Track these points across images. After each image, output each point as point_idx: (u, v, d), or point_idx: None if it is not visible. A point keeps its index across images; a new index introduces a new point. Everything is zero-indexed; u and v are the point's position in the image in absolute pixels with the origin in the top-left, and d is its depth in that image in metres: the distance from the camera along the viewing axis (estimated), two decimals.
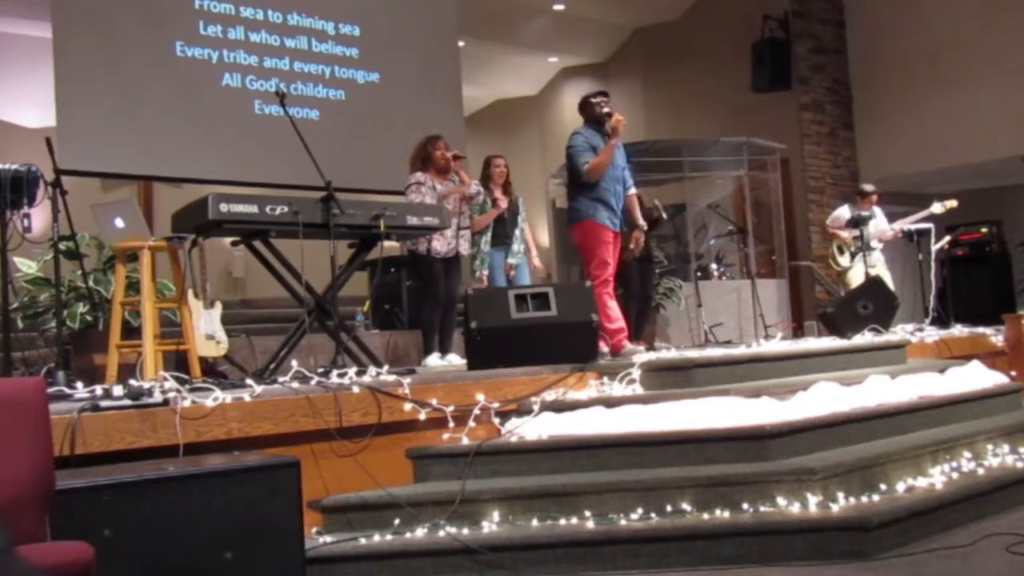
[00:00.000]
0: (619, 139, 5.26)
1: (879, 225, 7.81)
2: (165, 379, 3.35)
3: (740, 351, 4.85)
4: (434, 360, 5.51)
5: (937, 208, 7.69)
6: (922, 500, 3.41)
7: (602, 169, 5.16)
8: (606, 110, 5.23)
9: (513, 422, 3.88)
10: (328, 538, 3.28)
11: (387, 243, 4.78)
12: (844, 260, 7.89)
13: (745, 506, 3.33)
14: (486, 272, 6.20)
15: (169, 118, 7.39)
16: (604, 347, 5.10)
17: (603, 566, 3.17)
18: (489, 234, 6.22)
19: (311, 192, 4.59)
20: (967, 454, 3.95)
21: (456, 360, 5.53)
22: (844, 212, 7.91)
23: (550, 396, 4.05)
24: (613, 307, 5.21)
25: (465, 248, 5.78)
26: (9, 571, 1.83)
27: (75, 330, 4.99)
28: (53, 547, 2.17)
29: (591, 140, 5.22)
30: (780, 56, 10.17)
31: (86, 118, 6.97)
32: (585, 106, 5.36)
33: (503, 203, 6.16)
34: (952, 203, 7.72)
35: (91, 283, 4.99)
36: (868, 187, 8.09)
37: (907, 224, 7.80)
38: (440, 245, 5.58)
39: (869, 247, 7.64)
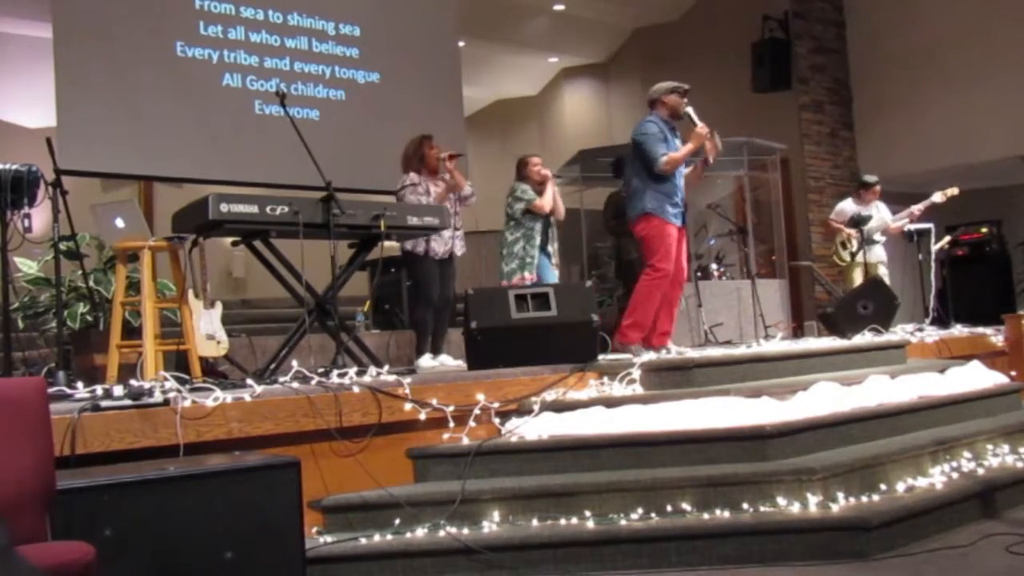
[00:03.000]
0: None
1: (881, 218, 7.78)
2: (165, 379, 3.35)
3: (740, 351, 4.85)
4: (426, 361, 5.47)
5: (938, 197, 7.63)
6: (922, 500, 3.41)
7: (676, 166, 5.14)
8: (688, 109, 5.22)
9: (513, 422, 3.88)
10: (328, 538, 3.28)
11: (387, 243, 4.78)
12: (847, 255, 7.88)
13: (745, 506, 3.33)
14: (528, 275, 6.03)
15: (169, 118, 7.39)
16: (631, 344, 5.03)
17: (603, 566, 3.17)
18: (538, 237, 6.14)
19: (311, 192, 4.59)
20: (967, 454, 3.95)
21: (449, 361, 5.50)
22: (847, 207, 7.87)
23: (550, 396, 4.05)
24: (657, 303, 5.10)
25: (460, 248, 5.74)
26: (9, 571, 1.83)
27: (75, 330, 5.00)
28: (53, 547, 2.17)
29: (663, 130, 5.17)
30: (780, 56, 10.17)
31: (86, 118, 6.97)
32: (665, 96, 5.25)
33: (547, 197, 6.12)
34: (953, 191, 7.64)
35: (91, 283, 4.99)
36: (870, 178, 7.99)
37: (913, 210, 7.72)
38: (438, 246, 5.55)
39: (871, 241, 7.63)
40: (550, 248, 6.35)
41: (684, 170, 5.33)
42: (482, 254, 6.10)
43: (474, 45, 10.73)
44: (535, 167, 6.21)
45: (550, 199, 6.13)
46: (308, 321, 4.27)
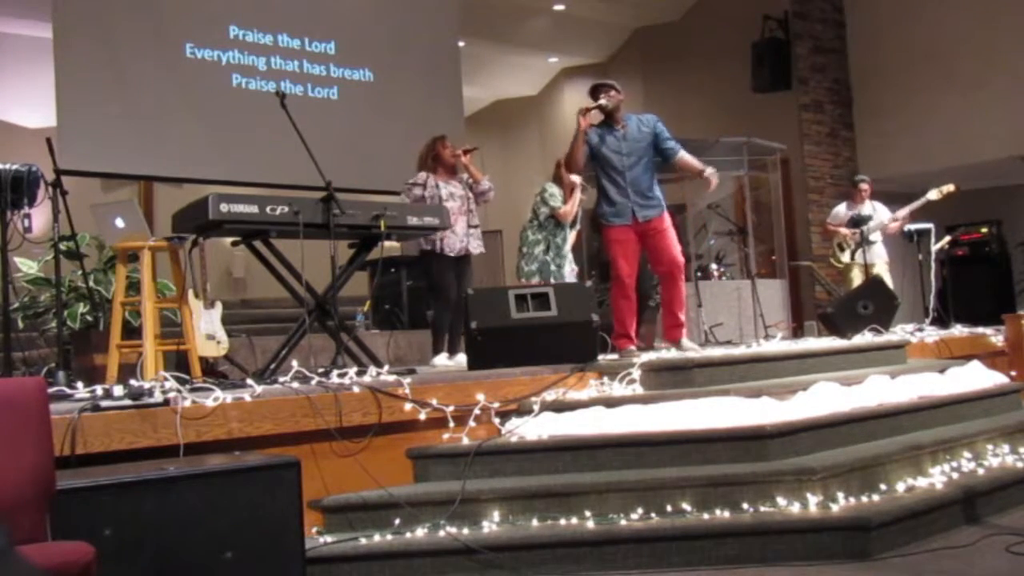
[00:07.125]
0: (620, 124, 5.13)
1: (879, 218, 7.80)
2: (165, 379, 3.35)
3: (740, 351, 4.84)
4: (442, 360, 5.48)
5: (933, 195, 7.61)
6: (922, 500, 3.41)
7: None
8: (602, 101, 5.05)
9: (513, 422, 3.88)
10: (328, 538, 3.28)
11: (387, 243, 4.78)
12: (845, 257, 7.90)
13: (745, 506, 3.33)
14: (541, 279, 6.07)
15: (169, 118, 7.40)
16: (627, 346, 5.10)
17: (603, 566, 3.18)
18: (565, 246, 6.23)
19: (311, 192, 4.58)
20: (967, 454, 3.95)
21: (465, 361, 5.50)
22: (842, 210, 7.95)
23: (550, 396, 4.05)
24: (622, 309, 5.10)
25: (476, 247, 5.71)
26: (9, 571, 1.83)
27: (75, 330, 5.00)
28: (53, 547, 2.17)
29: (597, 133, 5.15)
30: (780, 56, 10.17)
31: (86, 118, 6.97)
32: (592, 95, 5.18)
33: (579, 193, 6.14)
34: (949, 187, 7.61)
35: (91, 283, 5.00)
36: (857, 178, 8.09)
37: (906, 211, 7.73)
38: (453, 242, 5.54)
39: (869, 242, 7.63)
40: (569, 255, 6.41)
41: (626, 162, 5.11)
42: (486, 253, 6.14)
43: (474, 45, 10.72)
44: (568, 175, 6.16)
45: (574, 208, 6.15)
46: (308, 321, 4.26)
